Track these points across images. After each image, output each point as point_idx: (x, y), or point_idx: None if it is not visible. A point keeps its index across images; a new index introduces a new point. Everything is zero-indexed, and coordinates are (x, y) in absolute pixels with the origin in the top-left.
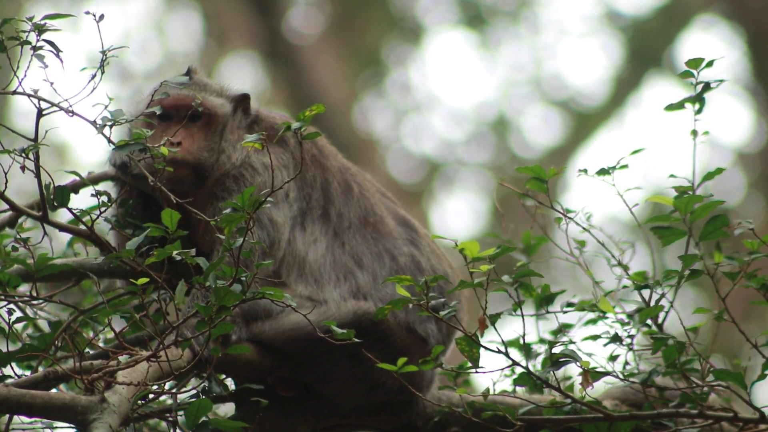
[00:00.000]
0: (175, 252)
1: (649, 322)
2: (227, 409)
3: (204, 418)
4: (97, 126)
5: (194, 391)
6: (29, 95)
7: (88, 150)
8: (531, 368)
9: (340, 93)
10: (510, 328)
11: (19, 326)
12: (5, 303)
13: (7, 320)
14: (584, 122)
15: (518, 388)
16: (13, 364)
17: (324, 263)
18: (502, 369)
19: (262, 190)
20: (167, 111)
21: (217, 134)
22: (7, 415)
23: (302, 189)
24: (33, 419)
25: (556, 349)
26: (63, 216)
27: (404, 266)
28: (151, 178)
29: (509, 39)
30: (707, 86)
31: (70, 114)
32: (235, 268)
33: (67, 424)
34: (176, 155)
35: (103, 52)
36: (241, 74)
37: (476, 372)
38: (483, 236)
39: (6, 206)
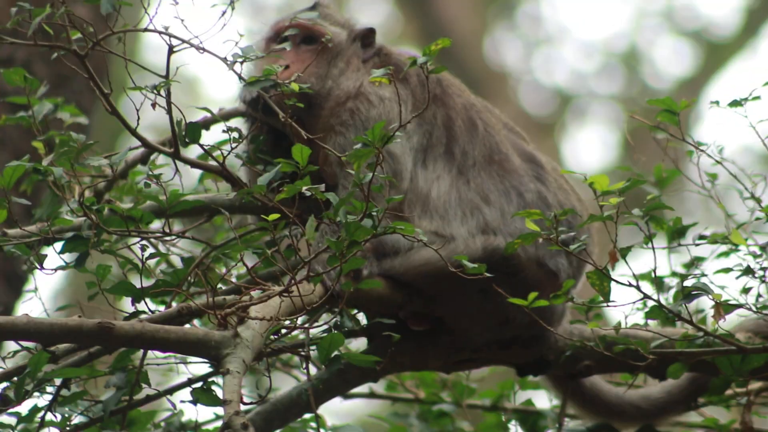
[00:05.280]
0: (305, 188)
1: None
2: (359, 344)
3: (336, 353)
4: (228, 63)
5: (326, 326)
6: (160, 32)
7: (218, 86)
8: (663, 301)
9: (470, 26)
10: (641, 261)
11: (152, 262)
12: (138, 239)
13: (141, 257)
14: (716, 53)
15: (650, 322)
16: (147, 300)
17: (449, 200)
18: (634, 302)
19: (376, 122)
20: (279, 36)
21: (328, 60)
22: (142, 351)
23: (421, 125)
24: (167, 354)
25: (688, 282)
26: (194, 152)
27: (531, 203)
28: (281, 114)
29: None
30: None
31: (201, 51)
32: (366, 203)
33: (200, 359)
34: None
35: None
36: (372, 8)
37: (607, 306)
38: (613, 169)
39: (138, 143)
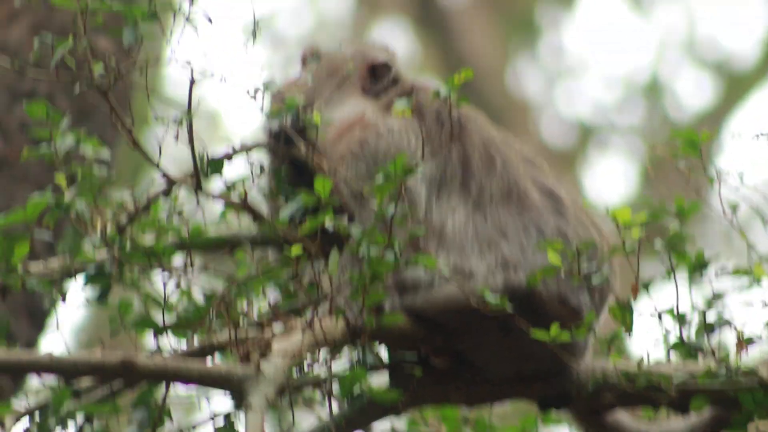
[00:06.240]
0: (328, 222)
1: None
2: (379, 377)
3: (358, 388)
4: (251, 95)
5: (348, 362)
6: (183, 65)
7: (239, 117)
8: (684, 336)
9: (492, 57)
10: (662, 294)
11: (174, 297)
12: (161, 273)
13: (163, 292)
14: (737, 84)
15: (671, 356)
16: (169, 334)
17: (465, 234)
18: (656, 339)
19: (386, 155)
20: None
21: (324, 79)
22: (164, 386)
23: (435, 158)
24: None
25: (710, 316)
26: (216, 183)
27: (551, 238)
28: (302, 147)
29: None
30: None
31: (224, 83)
32: (388, 236)
33: (222, 395)
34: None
35: (255, 23)
36: (392, 41)
37: (630, 338)
38: (635, 201)
39: (160, 177)
